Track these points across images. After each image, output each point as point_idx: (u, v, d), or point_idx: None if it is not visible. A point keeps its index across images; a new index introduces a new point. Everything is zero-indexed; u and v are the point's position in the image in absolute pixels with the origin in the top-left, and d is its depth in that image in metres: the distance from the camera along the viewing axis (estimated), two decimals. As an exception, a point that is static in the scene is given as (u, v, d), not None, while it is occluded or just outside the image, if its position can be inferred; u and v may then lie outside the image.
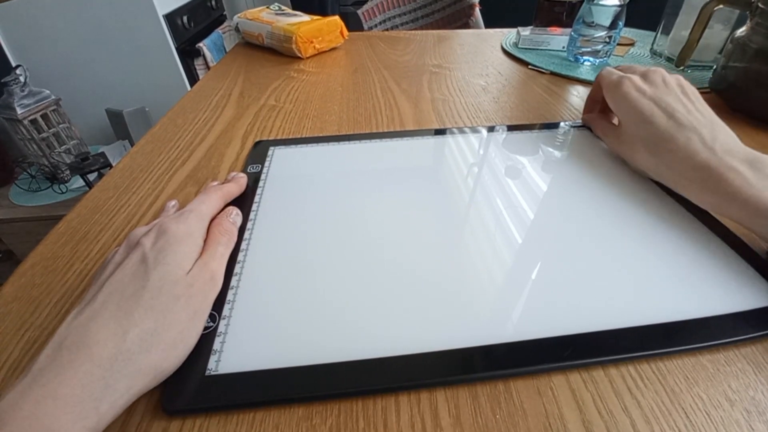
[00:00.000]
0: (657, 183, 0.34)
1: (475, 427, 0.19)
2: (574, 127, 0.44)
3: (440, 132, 0.44)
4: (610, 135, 0.38)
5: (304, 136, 0.45)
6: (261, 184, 0.36)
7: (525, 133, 0.43)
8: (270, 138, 0.44)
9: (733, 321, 0.23)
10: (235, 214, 0.29)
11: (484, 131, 0.44)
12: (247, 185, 0.34)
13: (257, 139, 0.44)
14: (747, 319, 0.23)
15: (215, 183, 0.35)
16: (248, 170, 0.38)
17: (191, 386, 0.20)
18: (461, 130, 0.44)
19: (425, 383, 0.20)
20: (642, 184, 0.34)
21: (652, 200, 0.32)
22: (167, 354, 0.20)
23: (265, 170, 0.38)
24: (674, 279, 0.25)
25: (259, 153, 0.41)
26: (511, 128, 0.44)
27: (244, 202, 0.33)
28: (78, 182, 1.18)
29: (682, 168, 0.30)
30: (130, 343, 0.18)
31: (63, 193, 1.13)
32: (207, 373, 0.21)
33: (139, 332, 0.19)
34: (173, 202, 0.31)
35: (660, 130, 0.31)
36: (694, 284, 0.25)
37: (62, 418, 0.16)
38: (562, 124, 0.44)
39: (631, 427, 0.19)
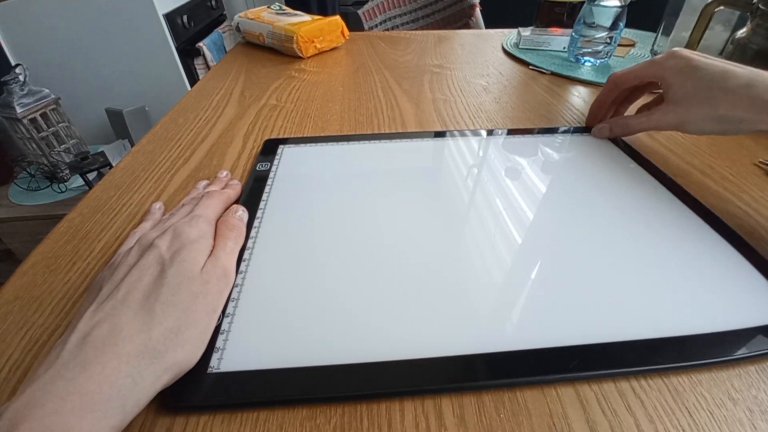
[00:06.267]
0: (669, 188, 0.33)
1: (479, 427, 0.19)
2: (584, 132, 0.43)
3: (449, 134, 0.43)
4: (656, 114, 0.37)
5: (305, 135, 0.45)
6: (269, 182, 0.36)
7: (527, 137, 0.43)
8: (272, 137, 0.44)
9: (748, 336, 0.22)
10: (241, 212, 0.30)
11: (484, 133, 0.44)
12: (242, 190, 0.34)
13: (259, 138, 0.44)
14: (762, 334, 0.22)
15: (205, 182, 0.36)
16: (257, 168, 0.38)
17: (193, 384, 0.20)
18: (468, 133, 0.44)
19: (429, 389, 0.20)
20: (653, 191, 0.33)
21: (664, 207, 0.32)
22: (190, 351, 0.20)
23: (273, 168, 0.38)
24: (686, 290, 0.25)
25: (268, 151, 0.41)
26: (513, 132, 0.44)
27: (251, 200, 0.33)
28: (77, 181, 1.17)
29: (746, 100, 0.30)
30: (155, 341, 0.19)
31: (62, 192, 1.13)
32: (209, 370, 0.21)
33: (163, 330, 0.19)
34: (159, 205, 0.33)
35: (723, 66, 0.32)
36: (706, 296, 0.24)
37: (88, 417, 0.16)
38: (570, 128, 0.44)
39: (635, 427, 0.19)
